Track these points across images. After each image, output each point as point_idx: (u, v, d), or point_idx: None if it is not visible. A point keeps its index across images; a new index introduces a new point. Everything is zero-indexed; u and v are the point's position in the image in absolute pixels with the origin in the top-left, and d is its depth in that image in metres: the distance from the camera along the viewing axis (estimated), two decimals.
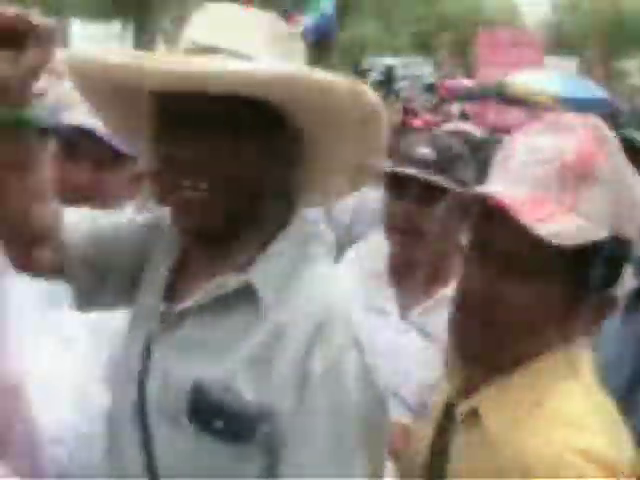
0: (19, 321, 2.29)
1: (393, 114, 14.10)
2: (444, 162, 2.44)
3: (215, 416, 1.49)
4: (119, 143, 2.32)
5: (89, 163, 2.37)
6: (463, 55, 42.00)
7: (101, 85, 1.61)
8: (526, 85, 11.63)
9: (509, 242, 1.46)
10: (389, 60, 28.18)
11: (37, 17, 1.58)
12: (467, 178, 2.50)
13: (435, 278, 2.55)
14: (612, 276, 1.52)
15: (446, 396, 1.68)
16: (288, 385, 1.46)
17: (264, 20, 1.59)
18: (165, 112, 1.54)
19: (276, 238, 1.58)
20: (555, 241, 1.37)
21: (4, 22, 1.53)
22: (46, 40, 1.59)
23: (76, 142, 2.37)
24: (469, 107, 12.93)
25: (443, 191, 2.39)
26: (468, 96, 13.89)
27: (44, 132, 2.27)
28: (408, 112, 13.03)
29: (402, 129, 9.98)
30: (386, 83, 25.69)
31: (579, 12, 45.56)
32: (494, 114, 11.26)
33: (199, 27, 1.58)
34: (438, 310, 2.36)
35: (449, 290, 2.43)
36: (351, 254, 2.71)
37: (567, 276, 1.47)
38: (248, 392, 1.48)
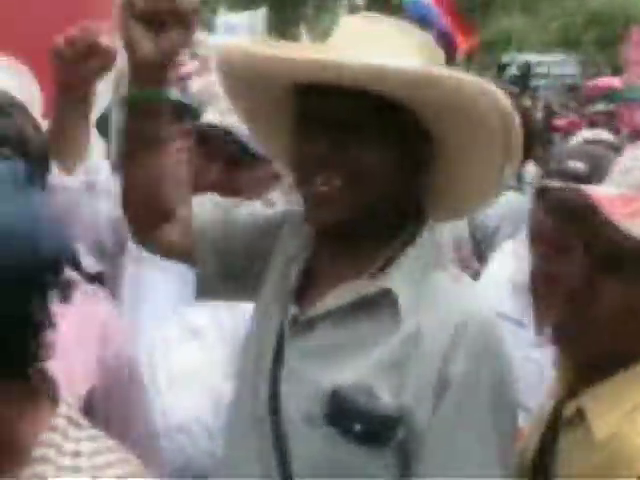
0: (150, 310, 2.35)
1: (530, 111, 13.90)
2: (596, 175, 2.40)
3: (354, 420, 1.50)
4: (254, 143, 2.33)
5: (222, 162, 2.41)
6: (611, 52, 40.93)
7: (245, 76, 1.63)
8: None
9: (603, 239, 1.49)
10: (529, 56, 27.63)
11: None
12: None
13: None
14: None
15: (556, 397, 1.69)
16: (426, 388, 1.49)
17: (406, 29, 1.60)
18: (304, 107, 1.56)
19: (409, 243, 1.60)
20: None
21: (149, 2, 1.59)
22: (187, 22, 1.64)
23: (211, 141, 2.41)
24: (616, 108, 12.57)
25: None
26: (614, 97, 13.48)
27: (181, 115, 2.32)
28: (549, 112, 12.79)
29: (544, 130, 9.81)
30: (522, 79, 25.28)
31: None
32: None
33: (341, 38, 1.61)
34: None
35: None
36: (493, 261, 2.68)
37: None
38: (387, 395, 1.49)
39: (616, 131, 11.13)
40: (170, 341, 2.32)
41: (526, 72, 25.72)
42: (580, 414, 1.57)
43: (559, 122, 12.22)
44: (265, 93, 1.66)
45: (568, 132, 11.09)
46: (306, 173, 1.57)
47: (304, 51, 1.58)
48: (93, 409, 1.84)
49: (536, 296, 2.50)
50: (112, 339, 1.95)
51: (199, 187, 2.21)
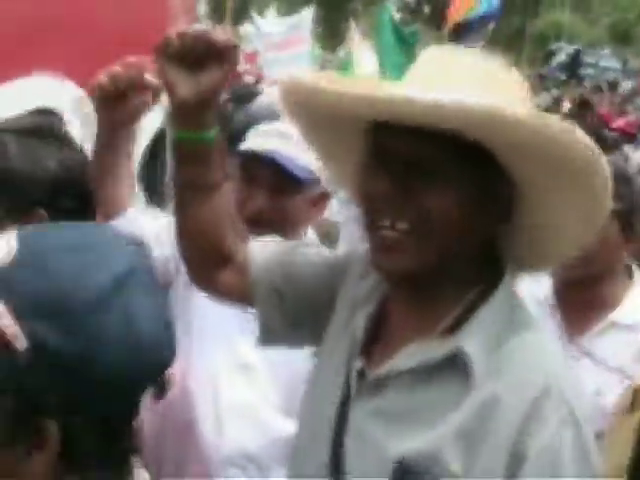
0: (205, 339, 2.33)
1: (573, 101, 13.72)
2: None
3: None
4: (298, 168, 2.30)
5: (266, 189, 2.35)
6: None
7: (310, 109, 1.56)
8: None
9: None
10: (576, 46, 27.35)
11: (219, 35, 1.56)
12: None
13: (603, 301, 2.50)
14: None
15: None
16: (499, 461, 1.38)
17: (484, 63, 1.49)
18: (374, 144, 1.47)
19: (485, 299, 1.47)
20: None
21: (186, 42, 1.53)
22: (228, 59, 1.57)
23: (254, 167, 2.35)
24: None
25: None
26: None
27: (227, 152, 2.28)
28: (587, 107, 12.60)
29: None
30: (571, 67, 25.02)
31: None
32: None
33: (421, 68, 1.52)
34: (608, 335, 2.39)
35: (617, 314, 2.45)
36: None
37: None
38: (456, 465, 1.39)
39: None
40: (220, 374, 2.28)
41: (575, 59, 25.44)
42: None
43: (617, 123, 11.93)
44: (333, 130, 1.57)
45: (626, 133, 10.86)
46: (372, 215, 1.46)
47: (371, 87, 1.47)
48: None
49: (562, 306, 2.51)
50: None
51: (244, 216, 2.18)
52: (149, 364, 1.09)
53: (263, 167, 2.33)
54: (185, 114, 1.60)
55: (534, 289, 2.38)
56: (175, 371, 1.97)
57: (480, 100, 1.34)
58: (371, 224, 1.47)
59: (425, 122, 1.35)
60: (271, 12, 12.80)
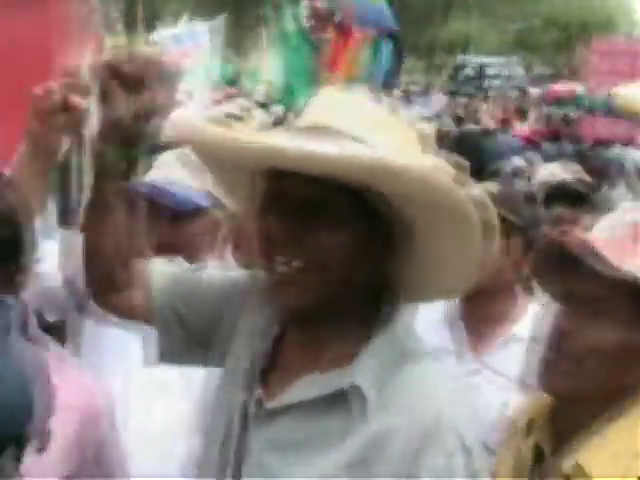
0: (116, 358, 2.32)
1: (484, 114, 14.03)
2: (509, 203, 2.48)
3: None
4: (196, 196, 2.42)
5: (167, 216, 2.45)
6: (568, 56, 41.54)
7: (205, 154, 1.61)
8: (632, 98, 11.39)
9: (588, 284, 1.59)
10: (483, 58, 28.13)
11: (156, 59, 1.61)
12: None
13: (499, 319, 2.56)
14: None
15: (532, 443, 1.69)
16: None
17: (378, 104, 1.54)
18: (268, 186, 1.51)
19: (376, 332, 1.52)
20: (628, 277, 1.53)
21: (133, 67, 1.58)
22: (163, 83, 1.61)
23: (153, 197, 2.41)
24: (576, 115, 12.72)
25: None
26: (578, 104, 13.66)
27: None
28: (506, 118, 12.92)
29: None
30: (477, 80, 25.74)
31: None
32: (602, 126, 11.05)
33: (314, 107, 1.56)
34: (510, 348, 2.45)
35: (513, 331, 2.51)
36: None
37: (637, 320, 1.58)
38: None
39: (576, 140, 11.27)
40: (136, 397, 2.30)
41: (481, 74, 26.20)
42: (579, 469, 1.57)
43: (521, 131, 12.25)
44: (231, 170, 1.62)
45: (531, 142, 11.12)
46: (268, 253, 1.50)
47: (261, 136, 1.52)
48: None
49: (466, 321, 2.58)
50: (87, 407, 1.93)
51: (147, 243, 2.22)
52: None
53: (161, 196, 2.43)
54: (118, 133, 1.63)
55: (429, 307, 2.38)
56: (86, 391, 1.99)
57: (363, 151, 1.40)
58: (267, 261, 1.50)
59: (317, 173, 1.39)
60: (184, 18, 12.72)
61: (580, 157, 8.45)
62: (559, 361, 1.62)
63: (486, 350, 2.51)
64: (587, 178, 4.82)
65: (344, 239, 1.47)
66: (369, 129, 1.47)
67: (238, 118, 7.36)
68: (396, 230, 1.52)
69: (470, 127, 10.96)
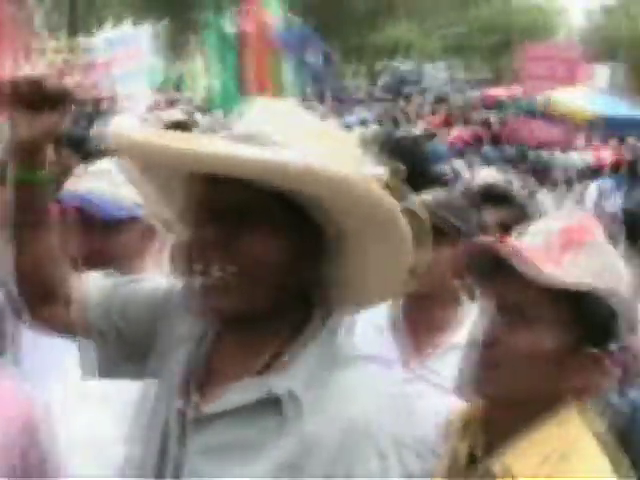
0: (55, 369, 2.32)
1: (422, 118, 14.17)
2: (453, 209, 2.49)
3: None
4: (122, 208, 2.41)
5: (96, 228, 2.44)
6: (497, 61, 42.15)
7: (139, 160, 1.61)
8: (568, 103, 11.68)
9: (517, 290, 1.61)
10: (403, 65, 28.34)
11: (54, 81, 1.63)
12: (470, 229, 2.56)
13: (440, 326, 2.54)
14: (606, 331, 1.61)
15: (466, 445, 1.72)
16: None
17: (311, 113, 1.59)
18: (197, 194, 1.53)
19: (309, 337, 1.54)
20: (553, 283, 1.55)
21: (32, 87, 1.60)
22: (62, 104, 1.64)
23: (84, 208, 2.43)
24: (512, 119, 12.94)
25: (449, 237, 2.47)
26: (506, 108, 13.90)
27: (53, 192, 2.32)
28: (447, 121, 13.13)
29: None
30: (395, 86, 25.96)
31: (613, 18, 45.34)
32: (537, 129, 11.27)
33: (249, 116, 1.58)
34: (449, 356, 2.38)
35: (455, 337, 2.45)
36: None
37: (562, 326, 1.60)
38: None
39: (497, 141, 11.50)
40: (63, 406, 2.25)
41: (401, 80, 26.39)
42: (506, 470, 1.59)
43: (458, 135, 12.40)
44: (161, 179, 1.63)
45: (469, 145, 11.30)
46: (198, 260, 1.50)
47: (193, 141, 1.53)
48: None
49: (402, 330, 2.54)
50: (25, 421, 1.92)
51: (78, 255, 2.25)
52: None
53: (92, 206, 2.42)
54: (23, 154, 1.66)
55: (374, 313, 2.38)
56: (23, 402, 1.98)
57: (289, 157, 1.42)
58: (199, 267, 1.50)
59: (246, 177, 1.42)
60: (126, 22, 12.59)
61: (520, 160, 8.62)
62: (489, 366, 1.63)
63: (428, 356, 2.49)
64: (521, 181, 4.92)
65: (276, 245, 1.49)
66: (300, 137, 1.50)
67: (183, 124, 7.32)
68: (329, 235, 1.54)
69: (409, 131, 11.05)
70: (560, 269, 1.58)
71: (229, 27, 10.48)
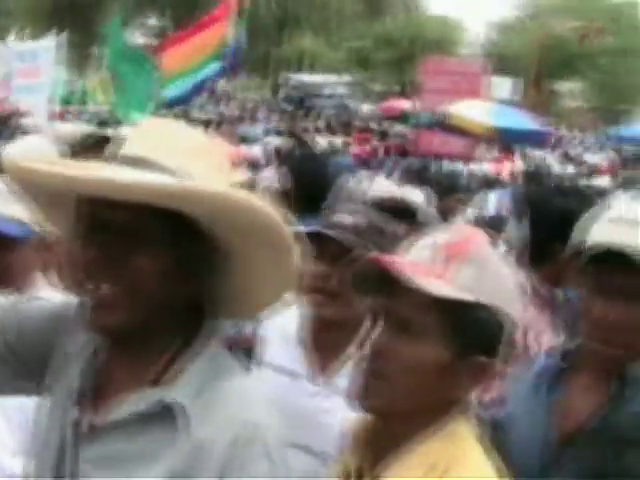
0: None
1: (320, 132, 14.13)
2: (363, 229, 2.43)
3: None
4: (11, 227, 2.41)
5: None
6: (400, 73, 42.65)
7: (30, 185, 1.63)
8: (466, 115, 11.90)
9: (401, 304, 1.62)
10: (305, 77, 28.44)
11: None
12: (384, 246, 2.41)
13: (347, 343, 2.49)
14: (488, 343, 1.63)
15: (356, 459, 1.72)
16: None
17: (192, 135, 1.65)
18: (84, 214, 1.56)
19: (192, 349, 1.59)
20: (434, 293, 1.57)
21: None
22: None
23: None
24: (413, 132, 13.11)
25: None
26: (408, 120, 14.08)
27: None
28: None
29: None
30: (299, 99, 26.04)
31: (514, 33, 46.36)
32: (438, 141, 11.47)
33: (130, 139, 1.63)
34: (346, 370, 2.37)
35: (354, 349, 2.41)
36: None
37: (446, 338, 1.61)
38: None
39: (399, 153, 11.66)
40: None
41: (305, 92, 26.44)
42: None
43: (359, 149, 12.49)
44: (45, 198, 1.65)
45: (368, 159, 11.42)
46: (83, 278, 1.55)
47: (76, 168, 1.55)
48: None
49: (311, 343, 2.49)
50: None
51: None
52: None
53: None
54: None
55: (284, 324, 2.44)
56: None
57: (162, 179, 1.49)
58: (83, 286, 1.56)
59: (127, 200, 1.47)
60: (21, 33, 12.38)
61: (421, 172, 8.74)
62: (375, 377, 1.64)
63: (334, 373, 2.46)
64: (423, 193, 4.95)
65: (162, 262, 1.53)
66: (181, 158, 1.55)
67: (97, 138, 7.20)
68: (217, 249, 1.58)
69: (309, 146, 11.06)
70: (442, 282, 1.60)
71: (131, 40, 10.40)
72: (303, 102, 25.53)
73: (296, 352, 2.47)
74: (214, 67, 9.11)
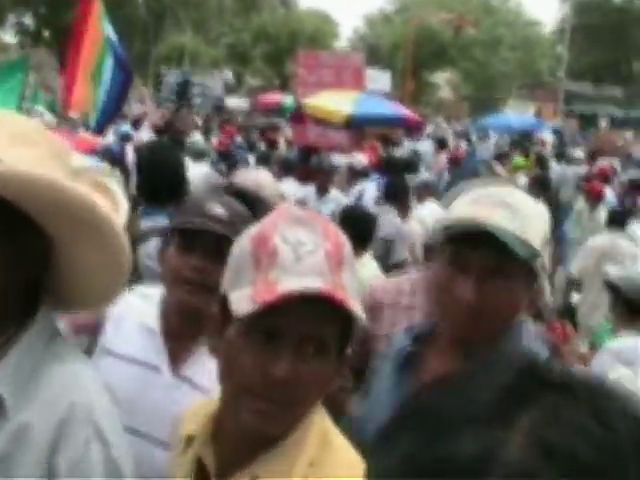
0: None
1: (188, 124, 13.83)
2: (235, 220, 2.33)
3: None
4: None
5: None
6: (279, 67, 42.76)
7: None
8: (322, 105, 12.05)
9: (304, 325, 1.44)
10: (184, 73, 28.44)
11: None
12: None
13: (201, 332, 2.38)
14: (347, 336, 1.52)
15: (196, 455, 1.60)
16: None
17: (9, 118, 1.63)
18: None
19: (17, 338, 1.57)
20: (359, 315, 1.43)
21: None
22: None
23: None
24: (291, 124, 13.17)
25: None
26: (283, 112, 14.15)
27: None
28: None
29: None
30: (179, 95, 25.96)
31: (390, 26, 47.08)
32: (313, 134, 11.61)
33: None
34: (203, 361, 2.31)
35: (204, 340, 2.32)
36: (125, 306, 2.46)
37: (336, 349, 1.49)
38: None
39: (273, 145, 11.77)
40: None
41: (184, 88, 26.38)
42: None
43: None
44: None
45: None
46: None
47: None
48: None
49: (172, 335, 2.39)
50: None
51: None
52: None
53: None
54: None
55: (145, 317, 2.44)
56: None
57: None
58: None
59: None
60: None
61: (300, 163, 8.92)
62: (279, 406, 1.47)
63: (186, 364, 2.42)
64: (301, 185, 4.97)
65: None
66: (7, 145, 1.53)
67: None
68: (40, 243, 1.56)
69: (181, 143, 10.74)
70: (349, 295, 1.44)
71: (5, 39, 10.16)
72: (183, 97, 25.49)
73: (154, 343, 2.43)
74: (110, 65, 9.06)
